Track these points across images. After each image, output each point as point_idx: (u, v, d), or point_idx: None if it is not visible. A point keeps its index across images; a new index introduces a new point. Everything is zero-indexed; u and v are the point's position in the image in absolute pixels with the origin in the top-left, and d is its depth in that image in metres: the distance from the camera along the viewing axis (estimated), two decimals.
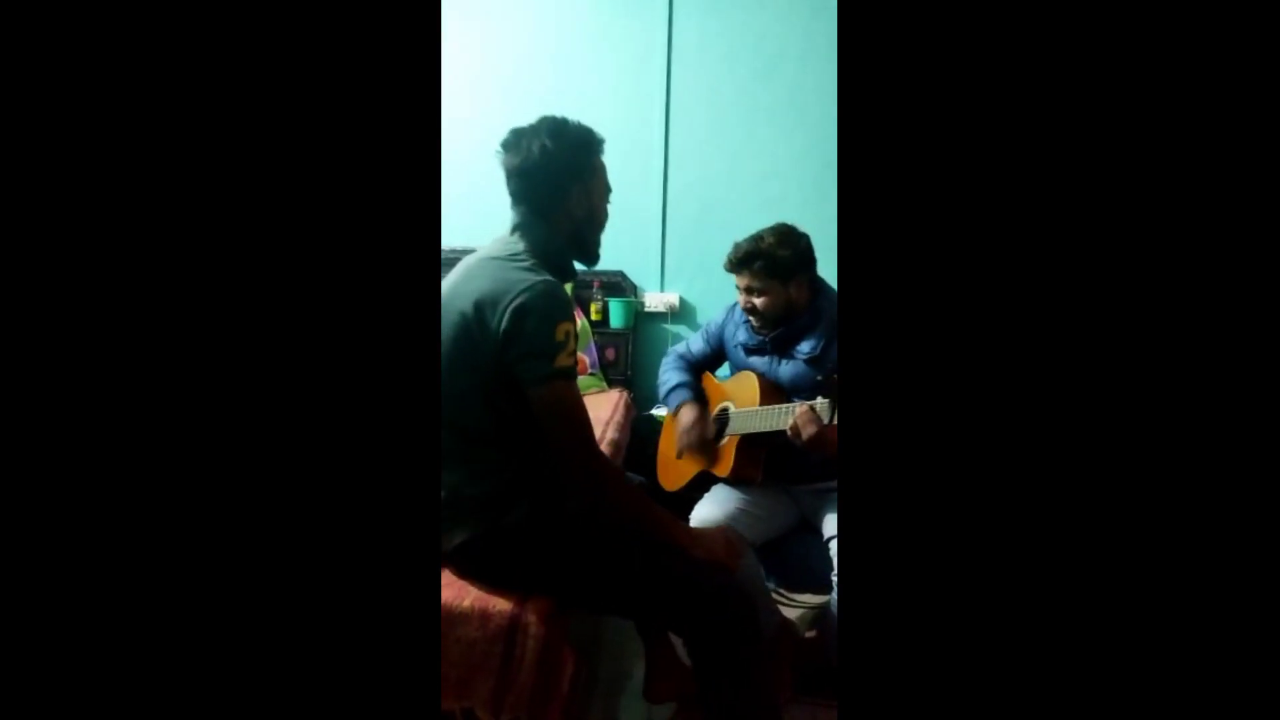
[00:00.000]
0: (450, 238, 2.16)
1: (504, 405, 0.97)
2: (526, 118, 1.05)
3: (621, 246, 2.33)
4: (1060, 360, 0.47)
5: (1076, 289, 0.47)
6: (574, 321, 0.97)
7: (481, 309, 0.95)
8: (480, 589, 1.00)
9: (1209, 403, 0.45)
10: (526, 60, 2.43)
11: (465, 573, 1.04)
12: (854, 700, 0.50)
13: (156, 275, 0.48)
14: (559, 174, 1.02)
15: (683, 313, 2.50)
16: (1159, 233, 0.46)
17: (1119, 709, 0.45)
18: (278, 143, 0.51)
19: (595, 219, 1.09)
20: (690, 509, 1.39)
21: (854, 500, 0.52)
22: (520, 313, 0.92)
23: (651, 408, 2.17)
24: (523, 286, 0.94)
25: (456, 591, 1.00)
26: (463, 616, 0.97)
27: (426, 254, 0.56)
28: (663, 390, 1.54)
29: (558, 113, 1.05)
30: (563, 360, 0.93)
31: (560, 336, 0.93)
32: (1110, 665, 0.46)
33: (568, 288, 1.20)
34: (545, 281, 0.96)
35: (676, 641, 1.09)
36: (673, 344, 2.07)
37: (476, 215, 2.08)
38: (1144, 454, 0.46)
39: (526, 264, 0.99)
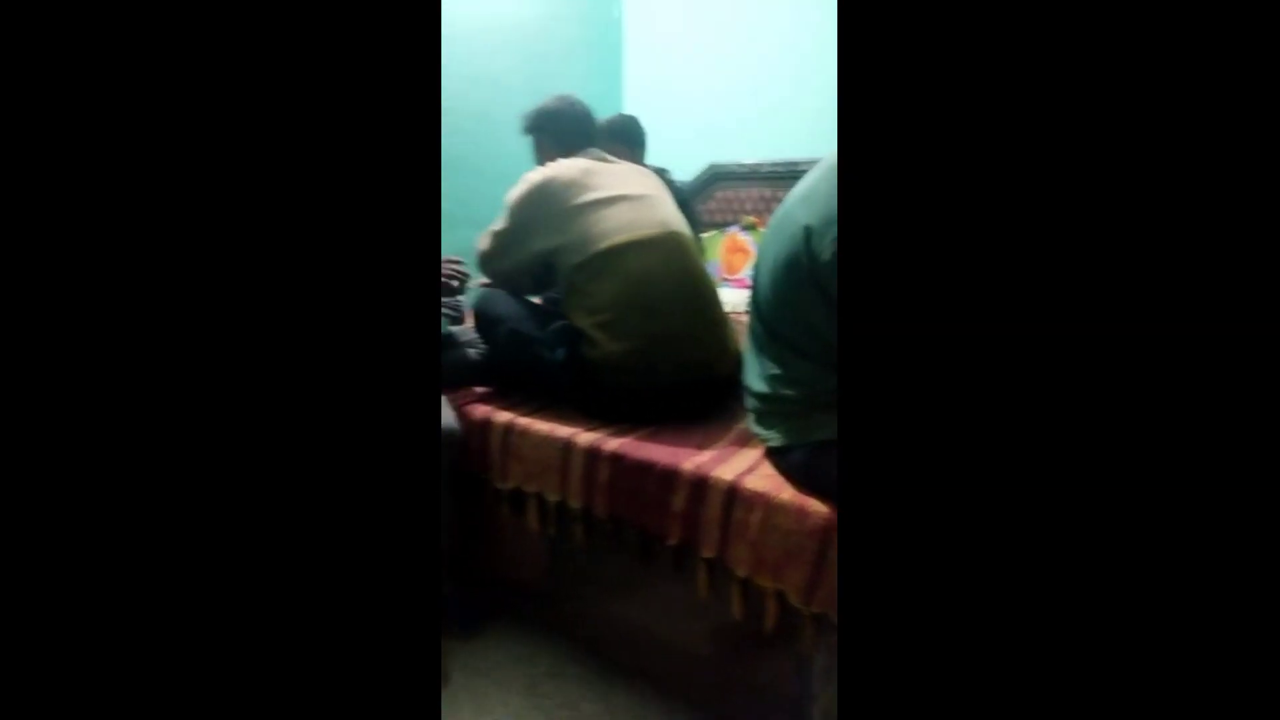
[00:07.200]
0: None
1: (819, 323, 0.97)
2: None
3: None
4: (1061, 347, 0.45)
5: (1079, 275, 0.44)
6: None
7: (811, 231, 0.94)
8: (796, 488, 1.03)
9: (1219, 369, 0.43)
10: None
11: (781, 470, 1.08)
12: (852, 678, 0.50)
13: (156, 260, 0.47)
14: None
15: None
16: (1165, 224, 0.43)
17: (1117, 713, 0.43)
18: (272, 105, 0.48)
19: None
20: None
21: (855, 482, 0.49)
22: None
23: None
24: None
25: (776, 484, 1.04)
26: (781, 507, 1.00)
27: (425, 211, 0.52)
28: None
29: None
30: None
31: None
32: (1109, 665, 0.43)
33: None
34: None
35: None
36: None
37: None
38: (1139, 450, 0.43)
39: None
